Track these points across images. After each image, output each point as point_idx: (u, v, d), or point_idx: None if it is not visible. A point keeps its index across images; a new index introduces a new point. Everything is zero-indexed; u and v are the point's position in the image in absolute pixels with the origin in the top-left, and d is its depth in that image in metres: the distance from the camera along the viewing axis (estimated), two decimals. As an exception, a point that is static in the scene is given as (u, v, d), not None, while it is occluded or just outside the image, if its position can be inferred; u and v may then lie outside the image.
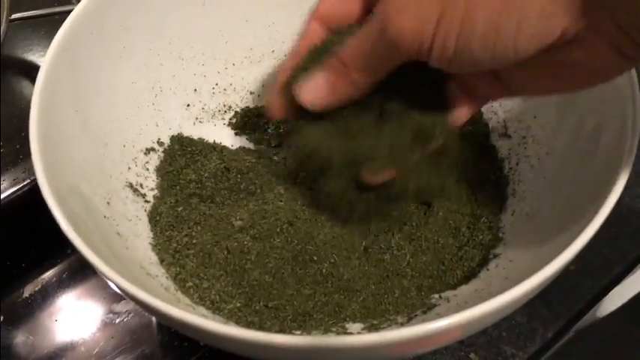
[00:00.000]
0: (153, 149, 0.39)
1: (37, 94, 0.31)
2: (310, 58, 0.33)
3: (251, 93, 0.44)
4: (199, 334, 0.26)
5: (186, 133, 0.41)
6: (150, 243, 0.35)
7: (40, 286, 0.41)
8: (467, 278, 0.34)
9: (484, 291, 0.32)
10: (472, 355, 0.36)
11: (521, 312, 0.37)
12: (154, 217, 0.36)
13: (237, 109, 0.43)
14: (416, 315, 0.32)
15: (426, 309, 0.32)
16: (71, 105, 0.34)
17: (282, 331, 0.32)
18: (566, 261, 0.25)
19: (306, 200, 0.37)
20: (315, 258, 0.34)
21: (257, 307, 0.33)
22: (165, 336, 0.38)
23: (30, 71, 0.47)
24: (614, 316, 0.38)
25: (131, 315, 0.39)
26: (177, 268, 0.34)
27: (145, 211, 0.36)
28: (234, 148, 0.42)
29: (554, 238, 0.30)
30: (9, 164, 0.40)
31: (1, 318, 0.39)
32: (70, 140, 0.33)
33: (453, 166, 0.34)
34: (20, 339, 0.38)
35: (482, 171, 0.39)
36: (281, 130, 0.42)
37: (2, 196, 0.39)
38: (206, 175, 0.39)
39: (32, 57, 0.48)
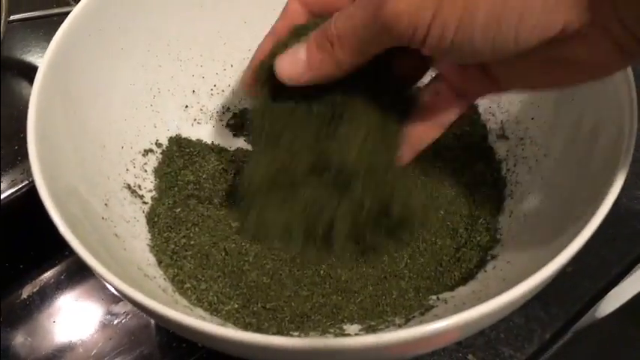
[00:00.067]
0: (151, 150, 0.39)
1: (35, 95, 0.31)
2: (293, 36, 0.31)
3: (249, 94, 0.44)
4: (197, 335, 0.26)
5: (184, 135, 0.41)
6: (148, 244, 0.35)
7: (38, 288, 0.41)
8: (464, 280, 0.34)
9: (482, 292, 0.32)
10: (470, 357, 0.36)
11: (519, 313, 0.37)
12: (151, 219, 0.36)
13: (236, 111, 0.43)
14: (413, 316, 0.32)
15: (423, 310, 0.32)
16: (69, 106, 0.34)
17: (279, 332, 0.32)
18: (563, 262, 0.25)
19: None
20: (313, 259, 0.34)
21: (255, 309, 0.33)
22: (164, 337, 0.38)
23: (28, 72, 0.47)
24: (612, 318, 0.38)
25: (129, 316, 0.39)
26: (175, 270, 0.34)
27: (143, 212, 0.36)
28: (232, 149, 0.42)
29: (552, 239, 0.30)
30: (7, 165, 0.40)
31: (0, 319, 0.39)
32: (67, 142, 0.33)
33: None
34: (18, 340, 0.38)
35: (480, 172, 0.39)
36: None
37: (1, 197, 0.39)
38: (204, 176, 0.39)
39: (31, 58, 0.48)
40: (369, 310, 0.33)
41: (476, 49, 0.24)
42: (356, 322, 0.32)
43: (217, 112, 0.43)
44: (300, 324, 0.32)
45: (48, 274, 0.41)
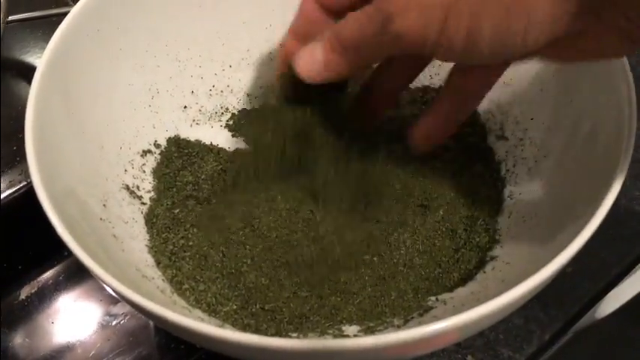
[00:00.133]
0: (149, 151, 0.39)
1: (33, 95, 0.31)
2: None
3: (248, 95, 0.44)
4: (195, 337, 0.26)
5: (182, 135, 0.41)
6: (146, 245, 0.35)
7: (36, 288, 0.41)
8: (463, 280, 0.34)
9: (481, 293, 0.32)
10: (469, 358, 0.36)
11: (518, 314, 0.37)
12: (150, 220, 0.36)
13: (234, 111, 0.43)
14: (412, 317, 0.32)
15: (422, 311, 0.32)
16: (67, 107, 0.34)
17: (278, 333, 0.32)
18: (563, 263, 0.25)
19: (302, 201, 0.36)
20: (311, 260, 0.34)
21: (253, 310, 0.33)
22: (163, 338, 0.38)
23: (27, 73, 0.47)
24: (612, 318, 0.38)
25: (128, 317, 0.39)
26: (174, 271, 0.34)
27: (142, 213, 0.36)
28: (231, 150, 0.42)
29: (551, 240, 0.30)
30: (6, 166, 0.40)
31: (-2, 320, 0.39)
32: (65, 142, 0.33)
33: None
34: (17, 341, 0.38)
35: (479, 173, 0.39)
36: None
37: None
38: (203, 177, 0.39)
39: (29, 58, 0.48)
40: (368, 311, 0.33)
41: (484, 55, 0.25)
42: (355, 323, 0.32)
43: (216, 112, 0.43)
44: (298, 325, 0.32)
45: (46, 275, 0.41)
